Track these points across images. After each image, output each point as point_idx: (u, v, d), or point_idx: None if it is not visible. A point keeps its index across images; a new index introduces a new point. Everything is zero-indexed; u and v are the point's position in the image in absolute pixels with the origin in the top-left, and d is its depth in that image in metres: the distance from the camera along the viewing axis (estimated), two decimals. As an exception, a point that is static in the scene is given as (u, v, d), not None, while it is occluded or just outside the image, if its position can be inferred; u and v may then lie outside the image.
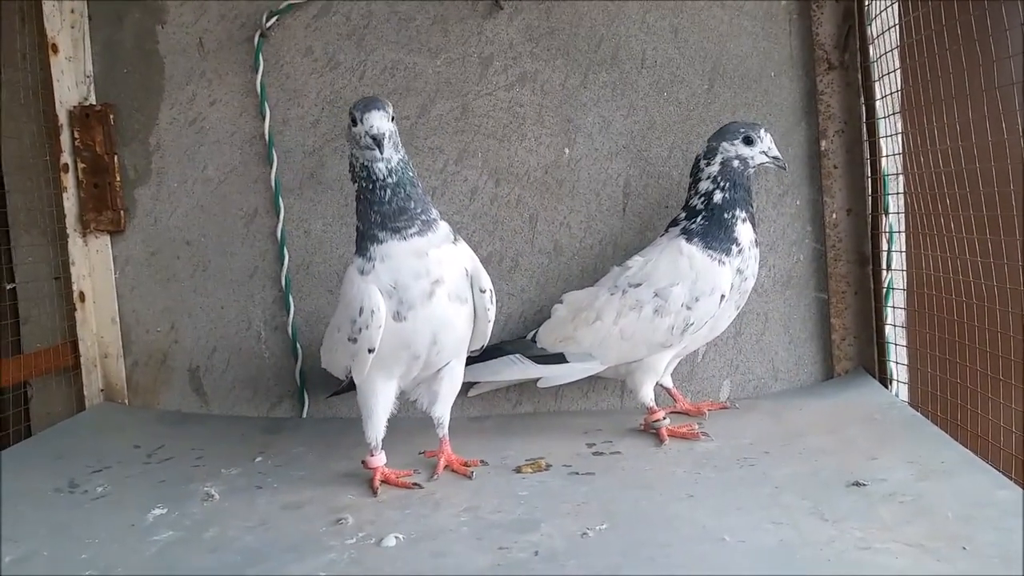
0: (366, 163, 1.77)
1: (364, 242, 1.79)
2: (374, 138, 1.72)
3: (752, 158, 2.13)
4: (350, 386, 2.30)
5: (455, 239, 1.85)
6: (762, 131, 2.13)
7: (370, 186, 1.78)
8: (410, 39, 2.52)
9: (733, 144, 2.12)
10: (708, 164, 2.14)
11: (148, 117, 2.63)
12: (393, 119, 1.77)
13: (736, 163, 2.12)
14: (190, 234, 2.63)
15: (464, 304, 1.86)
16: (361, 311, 1.76)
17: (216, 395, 2.64)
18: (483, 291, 1.89)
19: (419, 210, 1.78)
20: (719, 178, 2.12)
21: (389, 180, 1.77)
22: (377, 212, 1.77)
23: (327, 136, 2.55)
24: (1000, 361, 1.90)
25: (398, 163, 1.78)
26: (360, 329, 1.77)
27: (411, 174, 1.80)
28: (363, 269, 1.78)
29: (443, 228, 1.82)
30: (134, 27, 2.62)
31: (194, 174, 2.61)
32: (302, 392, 2.57)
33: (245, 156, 2.59)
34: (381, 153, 1.74)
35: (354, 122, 1.76)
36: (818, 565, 1.39)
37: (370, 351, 1.79)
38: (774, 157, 2.14)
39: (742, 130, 2.13)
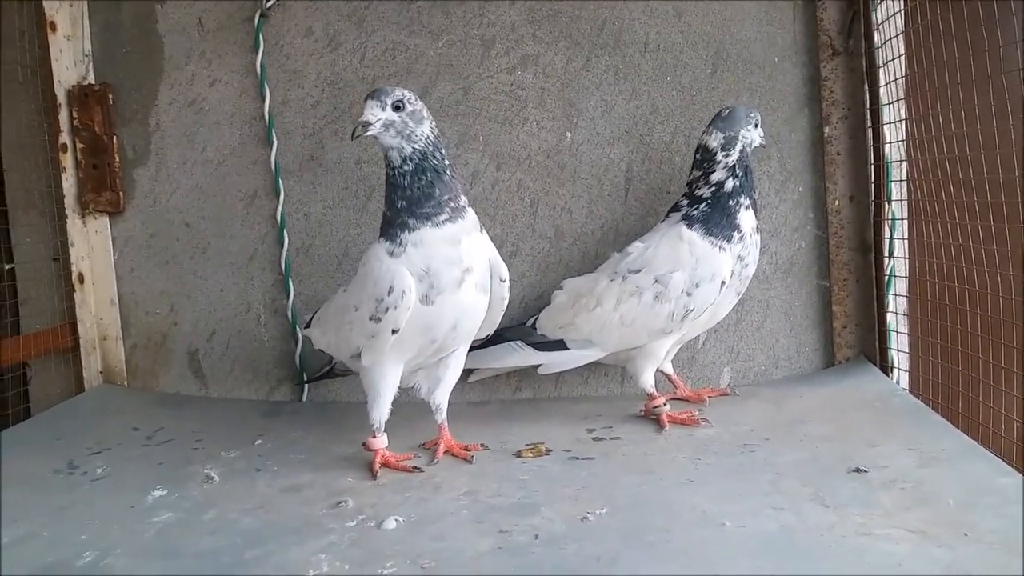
0: (384, 150, 1.82)
1: (392, 229, 1.80)
2: (360, 126, 1.78)
3: (754, 141, 2.15)
4: (328, 372, 2.31)
5: (481, 228, 1.88)
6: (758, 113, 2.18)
7: (391, 172, 1.82)
8: (411, 20, 2.50)
9: (749, 131, 2.13)
10: (727, 155, 2.10)
11: (147, 97, 2.61)
12: (399, 107, 1.78)
13: (748, 150, 2.14)
14: (189, 216, 2.61)
15: (486, 294, 1.89)
16: (391, 291, 1.76)
17: (215, 378, 2.63)
18: (502, 281, 1.92)
19: (446, 197, 1.80)
20: (736, 167, 2.11)
21: (406, 167, 1.80)
22: (400, 197, 1.80)
23: (327, 118, 2.53)
24: (1002, 349, 1.90)
25: (413, 152, 1.80)
26: (387, 309, 1.77)
27: (435, 161, 1.81)
28: (392, 252, 1.79)
29: (471, 216, 1.85)
30: (133, 6, 2.60)
31: (193, 155, 2.60)
32: (301, 375, 2.56)
33: (244, 137, 2.58)
34: (352, 138, 1.80)
35: None
36: (818, 550, 1.39)
37: (394, 332, 1.79)
38: (762, 136, 2.19)
39: (752, 115, 2.14)
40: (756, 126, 2.14)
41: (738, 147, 2.11)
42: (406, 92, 1.81)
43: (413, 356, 1.90)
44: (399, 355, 1.88)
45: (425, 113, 1.83)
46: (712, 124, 2.14)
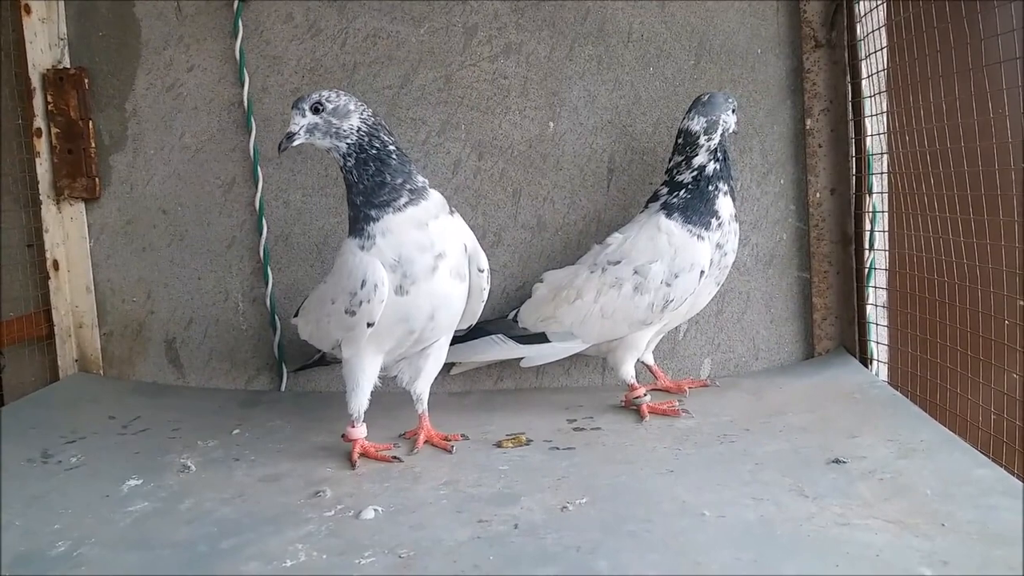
0: (328, 153, 1.84)
1: (358, 224, 1.79)
2: (285, 137, 1.82)
3: (732, 126, 2.16)
4: (319, 361, 2.29)
5: (451, 211, 1.86)
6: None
7: (342, 174, 1.84)
8: (393, 7, 2.47)
9: (728, 115, 2.13)
10: (709, 139, 2.11)
11: (124, 82, 2.57)
12: (318, 109, 1.79)
13: (727, 134, 2.15)
14: (167, 203, 2.58)
15: (463, 282, 1.87)
16: (363, 284, 1.75)
17: (193, 367, 2.61)
18: (481, 271, 1.91)
19: (400, 180, 1.78)
20: (717, 151, 2.12)
21: (349, 163, 1.81)
22: (357, 193, 1.80)
23: (308, 105, 2.50)
24: (980, 341, 1.91)
25: (349, 148, 1.80)
26: (361, 303, 1.76)
27: (375, 151, 1.79)
28: (363, 246, 1.78)
29: (435, 197, 1.83)
30: (110, -11, 2.56)
31: (171, 141, 2.56)
32: (280, 365, 2.54)
33: (223, 124, 2.54)
34: (280, 152, 1.85)
35: None
36: (797, 540, 1.39)
37: (369, 325, 1.78)
38: (737, 122, 2.21)
39: (730, 100, 2.15)
40: (733, 112, 2.15)
41: (719, 131, 2.11)
42: (326, 92, 1.81)
43: (393, 347, 1.89)
44: (378, 346, 1.87)
45: (352, 106, 1.81)
46: (693, 109, 2.14)
